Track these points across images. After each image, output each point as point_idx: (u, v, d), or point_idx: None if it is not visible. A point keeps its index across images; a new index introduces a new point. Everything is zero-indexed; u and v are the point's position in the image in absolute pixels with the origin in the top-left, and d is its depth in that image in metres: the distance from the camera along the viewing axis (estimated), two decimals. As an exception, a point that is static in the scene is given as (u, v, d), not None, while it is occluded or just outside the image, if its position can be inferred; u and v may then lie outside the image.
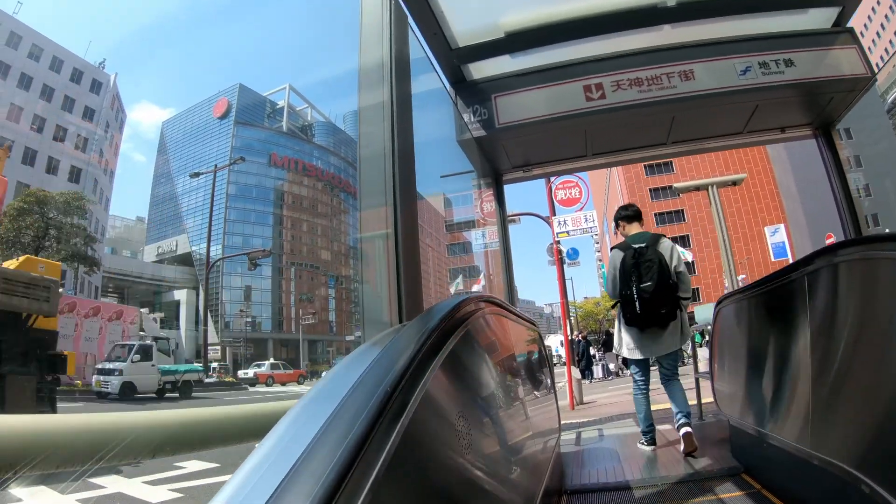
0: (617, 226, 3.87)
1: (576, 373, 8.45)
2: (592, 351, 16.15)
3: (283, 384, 30.38)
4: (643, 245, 3.50)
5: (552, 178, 8.91)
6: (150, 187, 77.20)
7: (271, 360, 38.90)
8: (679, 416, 3.44)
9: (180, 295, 57.66)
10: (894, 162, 41.43)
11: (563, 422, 3.83)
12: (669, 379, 3.63)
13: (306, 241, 77.09)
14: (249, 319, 61.71)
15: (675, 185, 12.77)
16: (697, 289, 56.95)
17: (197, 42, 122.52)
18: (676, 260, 3.52)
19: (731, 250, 11.27)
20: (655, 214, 58.65)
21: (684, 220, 58.44)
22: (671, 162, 58.58)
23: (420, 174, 2.06)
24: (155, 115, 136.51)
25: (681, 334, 3.55)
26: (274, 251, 69.50)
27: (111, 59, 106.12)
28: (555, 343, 43.40)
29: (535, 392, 2.65)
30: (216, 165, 34.42)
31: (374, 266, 1.81)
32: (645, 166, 59.45)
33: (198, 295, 59.18)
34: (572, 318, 59.10)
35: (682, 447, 3.33)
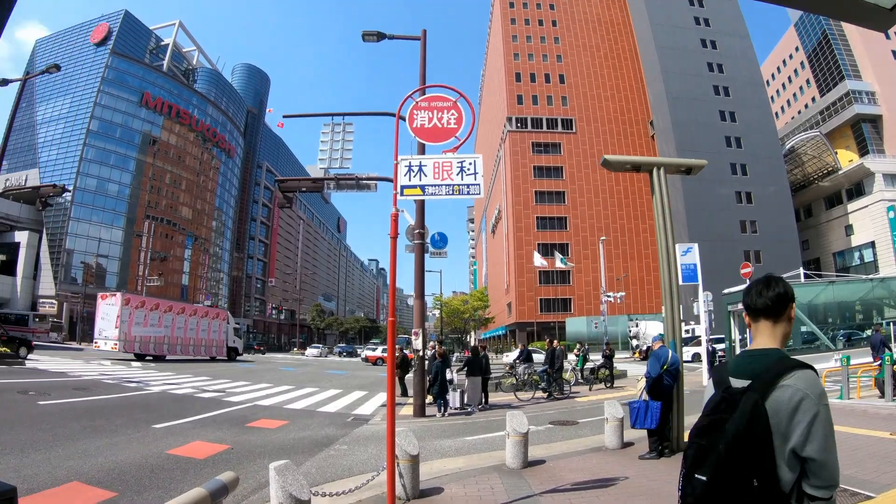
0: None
1: (404, 431, 4.27)
2: (450, 375, 11.46)
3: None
4: (742, 387, 1.46)
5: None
6: (10, 111, 63.60)
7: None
8: None
9: (21, 237, 48.49)
10: (778, 204, 43.56)
11: None
12: None
13: (167, 195, 68.36)
14: (93, 271, 54.31)
15: (608, 156, 8.79)
16: (570, 299, 55.93)
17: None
18: (804, 435, 1.35)
19: (672, 250, 7.57)
20: (536, 192, 57.12)
21: (564, 202, 57.20)
22: (560, 142, 57.74)
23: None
24: (41, 35, 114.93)
25: None
26: (126, 198, 61.30)
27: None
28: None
29: None
30: (28, 72, 26.11)
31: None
32: (532, 143, 57.81)
33: (40, 238, 51.17)
34: (434, 314, 53.53)
35: None
